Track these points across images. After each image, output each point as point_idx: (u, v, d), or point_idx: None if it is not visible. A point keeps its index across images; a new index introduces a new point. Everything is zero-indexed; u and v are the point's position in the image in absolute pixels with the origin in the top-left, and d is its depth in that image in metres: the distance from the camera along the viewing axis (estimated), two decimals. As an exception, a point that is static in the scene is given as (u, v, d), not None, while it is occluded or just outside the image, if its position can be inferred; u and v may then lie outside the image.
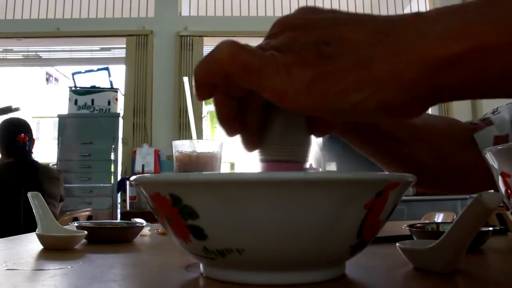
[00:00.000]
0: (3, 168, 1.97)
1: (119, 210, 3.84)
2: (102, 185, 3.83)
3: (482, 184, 0.55)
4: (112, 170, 3.88)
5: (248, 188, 0.29)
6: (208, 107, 4.20)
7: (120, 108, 4.13)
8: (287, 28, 0.29)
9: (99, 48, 4.63)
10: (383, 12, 3.63)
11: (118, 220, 1.18)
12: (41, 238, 0.56)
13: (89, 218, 2.45)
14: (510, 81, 0.25)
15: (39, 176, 1.99)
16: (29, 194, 0.61)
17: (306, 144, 0.35)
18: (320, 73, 0.26)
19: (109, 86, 4.11)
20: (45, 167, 2.15)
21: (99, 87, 4.06)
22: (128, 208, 3.45)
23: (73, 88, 4.07)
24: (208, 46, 4.40)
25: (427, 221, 1.07)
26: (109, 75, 4.16)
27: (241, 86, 0.29)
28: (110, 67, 4.26)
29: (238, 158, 3.94)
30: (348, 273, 0.37)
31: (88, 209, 2.67)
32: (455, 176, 0.58)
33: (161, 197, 0.31)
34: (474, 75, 0.25)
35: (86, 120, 3.94)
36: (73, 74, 4.20)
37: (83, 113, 3.96)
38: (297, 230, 0.30)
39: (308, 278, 0.33)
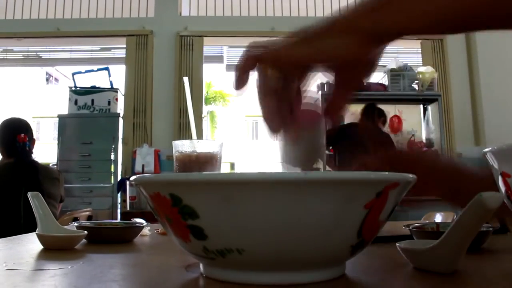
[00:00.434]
0: (3, 168, 1.97)
1: (119, 210, 3.84)
2: (102, 185, 3.83)
3: None
4: (112, 170, 3.88)
5: (248, 188, 0.29)
6: (208, 107, 4.20)
7: (120, 108, 4.13)
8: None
9: (99, 48, 4.64)
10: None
11: (118, 220, 1.18)
12: (41, 238, 0.56)
13: (89, 218, 2.45)
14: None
15: (39, 176, 1.98)
16: (29, 194, 0.61)
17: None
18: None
19: (109, 86, 4.11)
20: (45, 167, 2.15)
21: (99, 87, 4.06)
22: (128, 208, 3.44)
23: (73, 88, 4.06)
24: (208, 46, 4.40)
25: (427, 221, 1.07)
26: (109, 75, 4.16)
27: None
28: (110, 67, 4.26)
29: (238, 158, 3.94)
30: (348, 273, 0.37)
31: (88, 209, 2.67)
32: None
33: (161, 197, 0.31)
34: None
35: (86, 120, 3.94)
36: (73, 74, 4.20)
37: (83, 113, 3.95)
38: (297, 230, 0.30)
39: (308, 278, 0.33)
